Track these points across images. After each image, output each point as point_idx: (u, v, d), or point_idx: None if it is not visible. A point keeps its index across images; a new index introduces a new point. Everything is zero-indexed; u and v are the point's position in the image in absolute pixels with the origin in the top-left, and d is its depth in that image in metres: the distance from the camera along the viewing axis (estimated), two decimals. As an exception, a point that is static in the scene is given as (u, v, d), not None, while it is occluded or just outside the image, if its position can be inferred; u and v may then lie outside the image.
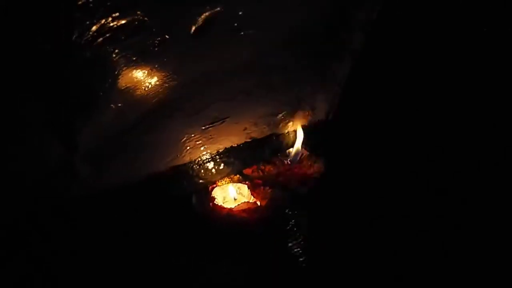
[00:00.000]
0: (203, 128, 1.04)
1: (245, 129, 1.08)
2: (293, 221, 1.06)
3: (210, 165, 1.09)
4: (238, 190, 1.12)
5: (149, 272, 0.95)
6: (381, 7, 1.00)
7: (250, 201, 1.08)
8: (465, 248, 0.98)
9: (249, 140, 1.10)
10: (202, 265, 0.97)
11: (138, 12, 0.87)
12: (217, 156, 1.09)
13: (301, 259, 0.99)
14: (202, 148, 1.06)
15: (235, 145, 1.10)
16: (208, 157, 1.08)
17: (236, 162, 1.10)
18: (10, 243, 0.93)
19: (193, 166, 1.07)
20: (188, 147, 1.05)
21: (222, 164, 1.09)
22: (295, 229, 1.05)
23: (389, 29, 1.11)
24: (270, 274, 0.96)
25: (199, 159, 1.08)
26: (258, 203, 1.07)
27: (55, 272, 0.93)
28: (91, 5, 0.80)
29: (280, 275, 0.96)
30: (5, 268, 0.92)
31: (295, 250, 1.01)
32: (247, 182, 1.12)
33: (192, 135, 1.03)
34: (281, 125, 1.12)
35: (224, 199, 1.11)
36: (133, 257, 0.96)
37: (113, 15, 0.85)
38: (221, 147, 1.09)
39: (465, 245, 0.98)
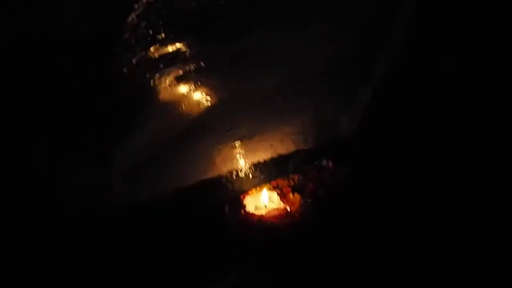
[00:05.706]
0: (232, 144, 1.10)
1: (272, 145, 1.14)
2: (321, 226, 1.13)
3: (239, 178, 1.15)
4: (268, 198, 1.17)
5: (179, 281, 1.02)
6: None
7: (280, 207, 1.13)
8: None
9: (275, 156, 1.16)
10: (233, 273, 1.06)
11: (177, 44, 0.93)
12: (245, 171, 1.15)
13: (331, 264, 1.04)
14: (230, 163, 1.13)
15: (262, 160, 1.16)
16: (236, 171, 1.15)
17: (263, 176, 1.16)
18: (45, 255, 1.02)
19: (222, 180, 1.14)
20: (217, 162, 1.12)
21: (250, 177, 1.16)
22: (323, 234, 1.11)
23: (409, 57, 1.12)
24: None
25: (228, 173, 1.14)
26: (288, 209, 1.13)
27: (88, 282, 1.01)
28: (132, 40, 0.87)
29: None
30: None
31: (323, 255, 1.07)
32: (277, 190, 1.20)
33: (222, 151, 1.10)
34: (306, 141, 1.17)
35: (255, 208, 1.18)
36: (166, 268, 1.02)
37: (154, 47, 0.91)
38: (248, 162, 1.15)
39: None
